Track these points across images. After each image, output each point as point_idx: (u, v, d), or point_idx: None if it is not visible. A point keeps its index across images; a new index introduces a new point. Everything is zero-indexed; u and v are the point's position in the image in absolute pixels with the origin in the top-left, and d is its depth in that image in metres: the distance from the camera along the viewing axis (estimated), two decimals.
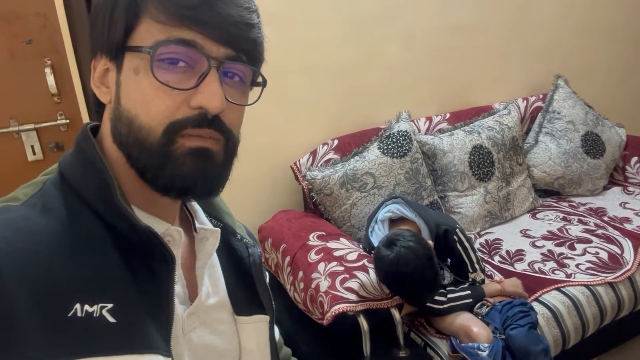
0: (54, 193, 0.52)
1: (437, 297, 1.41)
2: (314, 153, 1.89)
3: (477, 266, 1.51)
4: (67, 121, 1.69)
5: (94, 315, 0.46)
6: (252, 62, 0.54)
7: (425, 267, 1.29)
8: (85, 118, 1.69)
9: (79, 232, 0.49)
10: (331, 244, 1.51)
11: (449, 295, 1.43)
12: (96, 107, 0.58)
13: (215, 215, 0.68)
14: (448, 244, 1.49)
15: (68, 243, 0.48)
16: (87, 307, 0.46)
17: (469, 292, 1.45)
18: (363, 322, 1.30)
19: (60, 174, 0.54)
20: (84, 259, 0.48)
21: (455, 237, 1.49)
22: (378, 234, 1.53)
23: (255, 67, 0.55)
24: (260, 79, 0.57)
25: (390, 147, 1.88)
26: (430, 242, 1.39)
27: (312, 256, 1.46)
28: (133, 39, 0.51)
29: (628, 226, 1.93)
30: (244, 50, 0.53)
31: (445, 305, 1.41)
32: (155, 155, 0.51)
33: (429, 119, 2.15)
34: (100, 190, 0.52)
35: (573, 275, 1.63)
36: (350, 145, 1.93)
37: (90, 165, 0.53)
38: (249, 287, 0.66)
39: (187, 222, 0.65)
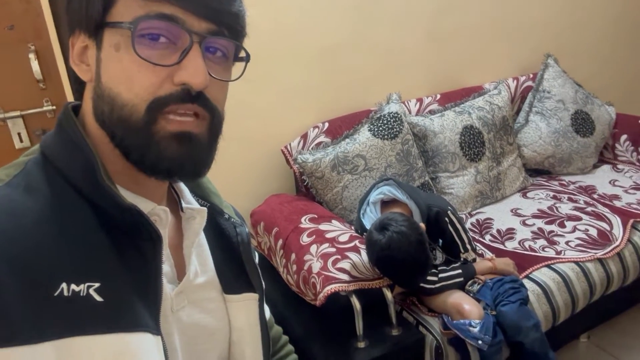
0: (37, 173, 0.51)
1: (429, 277, 1.42)
2: (304, 136, 1.88)
3: (468, 246, 1.52)
4: (54, 107, 1.67)
5: (81, 294, 0.46)
6: (235, 36, 0.54)
7: (417, 252, 1.29)
8: None
9: (64, 212, 0.49)
10: (323, 226, 1.51)
11: (441, 275, 1.44)
12: (76, 85, 0.57)
13: (202, 195, 0.68)
14: (439, 226, 1.50)
15: (53, 223, 0.48)
16: (73, 286, 0.46)
17: (460, 271, 1.46)
18: (355, 302, 1.31)
19: (42, 154, 0.53)
20: (69, 238, 0.48)
21: (446, 218, 1.49)
22: (370, 216, 1.53)
23: (238, 42, 0.54)
24: (243, 54, 0.57)
25: (381, 129, 1.87)
26: (422, 225, 1.39)
27: (304, 238, 1.46)
28: (112, 15, 0.50)
29: (617, 203, 1.95)
30: (225, 24, 0.52)
31: (437, 285, 1.42)
32: (140, 135, 0.50)
33: (420, 100, 2.14)
34: (84, 170, 0.51)
35: (563, 252, 1.65)
36: (341, 127, 1.92)
37: (73, 145, 0.52)
38: (237, 266, 0.66)
39: (174, 202, 0.64)
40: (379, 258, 1.32)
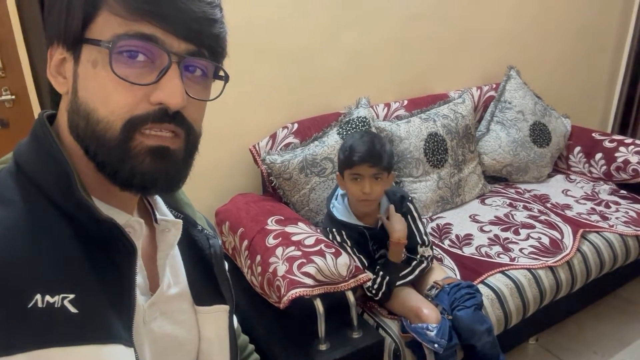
0: (10, 183, 0.51)
1: (369, 294, 1.49)
2: (273, 136, 1.89)
3: (425, 238, 1.58)
4: (13, 97, 1.61)
5: (55, 305, 0.46)
6: (214, 58, 0.54)
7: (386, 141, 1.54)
8: (32, 94, 1.61)
9: (38, 223, 0.49)
10: (289, 229, 1.53)
11: (374, 287, 1.48)
12: (53, 95, 0.56)
13: (175, 206, 0.68)
14: (402, 211, 1.56)
15: (27, 234, 0.47)
16: (48, 297, 0.46)
17: (385, 276, 1.48)
18: (319, 306, 1.33)
19: (15, 164, 0.53)
20: (44, 250, 0.48)
21: (409, 203, 1.58)
22: (338, 207, 1.57)
23: (218, 63, 0.55)
24: (222, 73, 0.57)
25: (349, 132, 1.90)
26: (392, 206, 1.51)
27: (270, 240, 1.47)
28: (91, 31, 0.49)
29: (569, 213, 2.05)
30: (206, 45, 0.52)
31: (379, 296, 1.48)
32: (114, 151, 0.50)
33: (387, 105, 2.18)
34: (59, 181, 0.51)
35: (517, 259, 1.73)
36: (310, 129, 1.94)
37: (49, 156, 0.52)
38: (209, 278, 0.67)
39: (147, 213, 0.64)
40: (355, 142, 1.46)
